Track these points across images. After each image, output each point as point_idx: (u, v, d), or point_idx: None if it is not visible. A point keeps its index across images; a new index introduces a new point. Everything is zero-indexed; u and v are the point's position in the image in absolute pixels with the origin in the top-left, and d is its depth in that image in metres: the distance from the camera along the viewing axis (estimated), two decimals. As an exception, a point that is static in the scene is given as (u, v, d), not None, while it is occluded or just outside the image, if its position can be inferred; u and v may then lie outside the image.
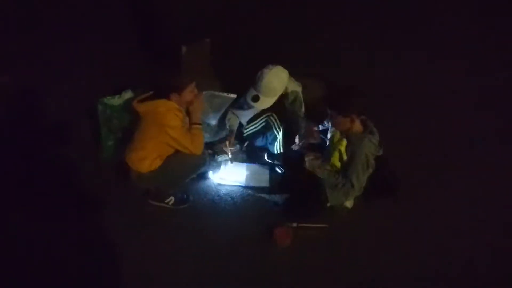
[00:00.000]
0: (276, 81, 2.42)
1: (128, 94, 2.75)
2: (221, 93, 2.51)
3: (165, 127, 2.21)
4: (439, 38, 3.89)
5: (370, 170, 2.36)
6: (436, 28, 3.99)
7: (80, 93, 3.16)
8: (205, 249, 2.39)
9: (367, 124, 2.39)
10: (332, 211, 2.49)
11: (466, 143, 3.05)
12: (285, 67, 2.51)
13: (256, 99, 2.44)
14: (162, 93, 2.27)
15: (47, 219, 2.49)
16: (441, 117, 3.23)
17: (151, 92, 2.33)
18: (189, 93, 2.30)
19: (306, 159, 2.45)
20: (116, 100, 2.71)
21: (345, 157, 2.37)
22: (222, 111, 2.67)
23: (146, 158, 2.30)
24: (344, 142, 2.37)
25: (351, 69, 3.45)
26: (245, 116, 2.73)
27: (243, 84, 2.72)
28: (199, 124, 2.38)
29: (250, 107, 2.58)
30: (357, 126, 2.35)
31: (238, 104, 2.66)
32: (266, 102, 2.45)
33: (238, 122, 2.77)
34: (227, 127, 2.73)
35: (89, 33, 3.62)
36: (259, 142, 2.83)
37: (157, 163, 2.32)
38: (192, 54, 3.15)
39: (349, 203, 2.51)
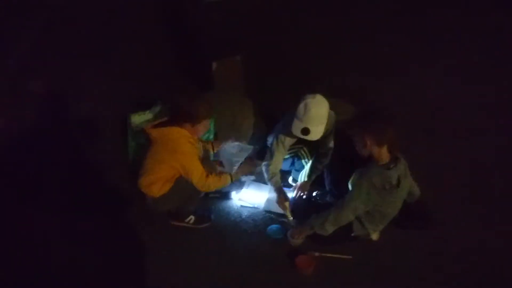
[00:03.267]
0: (323, 109, 2.35)
1: (157, 109, 2.78)
2: (239, 143, 2.62)
3: (176, 153, 2.19)
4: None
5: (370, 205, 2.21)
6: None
7: (110, 101, 3.23)
8: (225, 270, 2.33)
9: (394, 155, 2.19)
10: (358, 243, 2.39)
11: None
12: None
13: (306, 132, 2.34)
14: (177, 119, 2.22)
15: (72, 223, 2.55)
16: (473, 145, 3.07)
17: (165, 118, 2.30)
18: (203, 127, 2.28)
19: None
20: (145, 116, 2.74)
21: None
22: (244, 157, 2.60)
23: (156, 182, 2.27)
24: None
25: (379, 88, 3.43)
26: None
27: (272, 101, 2.66)
28: (231, 178, 2.41)
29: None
30: (378, 153, 2.15)
31: (269, 155, 2.62)
32: (317, 131, 2.36)
33: (279, 174, 2.67)
34: (271, 184, 2.64)
35: (121, 47, 3.70)
36: (285, 166, 2.77)
37: (167, 186, 2.29)
38: (223, 70, 3.17)
39: (375, 236, 2.40)
